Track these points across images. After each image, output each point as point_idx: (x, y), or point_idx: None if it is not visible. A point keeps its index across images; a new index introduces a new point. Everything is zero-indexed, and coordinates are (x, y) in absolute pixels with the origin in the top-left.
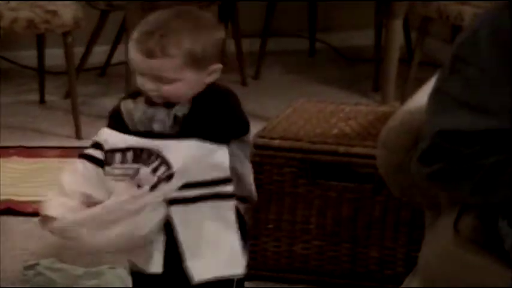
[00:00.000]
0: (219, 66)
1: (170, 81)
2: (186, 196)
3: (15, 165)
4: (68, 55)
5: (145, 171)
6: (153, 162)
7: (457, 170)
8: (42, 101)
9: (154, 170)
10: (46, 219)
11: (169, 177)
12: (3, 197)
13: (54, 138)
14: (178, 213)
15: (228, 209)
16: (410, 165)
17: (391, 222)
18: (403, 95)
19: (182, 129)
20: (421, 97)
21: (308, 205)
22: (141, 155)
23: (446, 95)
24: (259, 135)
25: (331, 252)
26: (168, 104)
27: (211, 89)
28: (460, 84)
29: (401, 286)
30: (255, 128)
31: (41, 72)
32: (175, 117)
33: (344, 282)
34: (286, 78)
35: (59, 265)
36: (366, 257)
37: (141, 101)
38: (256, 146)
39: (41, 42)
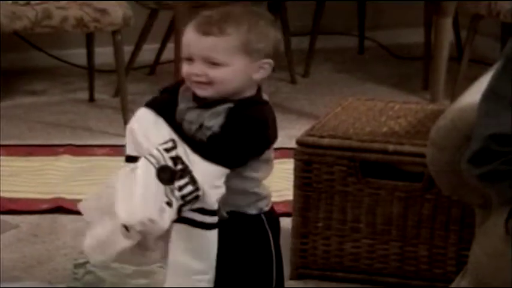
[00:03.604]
0: (269, 61)
1: (219, 64)
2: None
3: (65, 163)
4: (117, 53)
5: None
6: (181, 177)
7: (508, 171)
8: (91, 99)
9: (181, 188)
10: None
11: (196, 198)
12: (53, 195)
13: (103, 137)
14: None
15: (200, 238)
16: (460, 163)
17: (441, 221)
18: (453, 93)
19: (208, 145)
20: (471, 95)
21: (358, 204)
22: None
23: (498, 96)
24: (308, 134)
25: (381, 250)
26: (207, 105)
27: (244, 108)
28: None
29: (451, 285)
30: (303, 126)
31: (91, 71)
32: (201, 125)
33: (393, 281)
34: (335, 76)
35: (109, 263)
36: (415, 255)
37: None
38: (305, 145)
39: (90, 41)
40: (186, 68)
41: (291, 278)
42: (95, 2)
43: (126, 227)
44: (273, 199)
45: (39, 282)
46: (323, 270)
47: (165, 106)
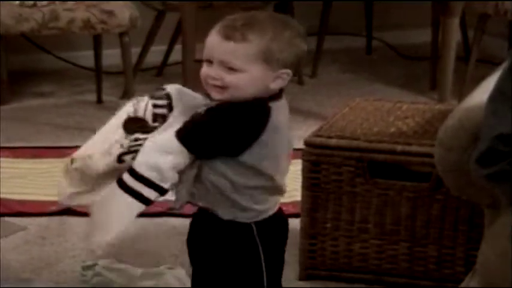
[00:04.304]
0: (288, 71)
1: (236, 70)
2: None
3: None
4: (125, 55)
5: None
6: (144, 133)
7: None
8: (99, 101)
9: (136, 139)
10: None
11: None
12: None
13: None
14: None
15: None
16: (468, 163)
17: (450, 221)
18: (461, 93)
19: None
20: (479, 95)
21: (366, 204)
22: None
23: (505, 96)
24: (316, 134)
25: (389, 251)
26: None
27: (236, 104)
28: None
29: (460, 285)
30: (311, 126)
31: (98, 73)
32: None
33: (402, 281)
34: (343, 77)
35: (117, 265)
36: (424, 256)
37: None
38: (313, 145)
39: (97, 43)
40: (204, 70)
41: (300, 279)
42: (101, 3)
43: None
44: (282, 200)
45: (48, 284)
46: (331, 271)
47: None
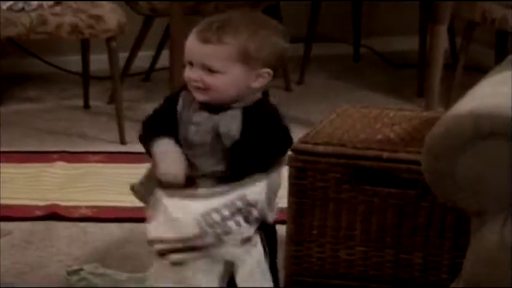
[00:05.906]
0: (268, 70)
1: (216, 71)
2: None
3: (59, 170)
4: (112, 60)
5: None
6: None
7: None
8: (86, 106)
9: (247, 220)
10: None
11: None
12: (47, 202)
13: (98, 143)
14: None
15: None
16: (455, 171)
17: (436, 228)
18: (448, 101)
19: (234, 156)
20: (466, 103)
21: (352, 211)
22: None
23: None
24: (303, 141)
25: (375, 258)
26: (214, 109)
27: (260, 109)
28: None
29: None
30: (298, 133)
31: (85, 78)
32: (218, 133)
33: None
34: (330, 84)
35: (102, 270)
36: (410, 263)
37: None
38: (300, 152)
39: (85, 48)
40: (187, 72)
41: (286, 286)
42: (89, 8)
43: None
44: None
45: None
46: (317, 278)
47: (166, 123)
